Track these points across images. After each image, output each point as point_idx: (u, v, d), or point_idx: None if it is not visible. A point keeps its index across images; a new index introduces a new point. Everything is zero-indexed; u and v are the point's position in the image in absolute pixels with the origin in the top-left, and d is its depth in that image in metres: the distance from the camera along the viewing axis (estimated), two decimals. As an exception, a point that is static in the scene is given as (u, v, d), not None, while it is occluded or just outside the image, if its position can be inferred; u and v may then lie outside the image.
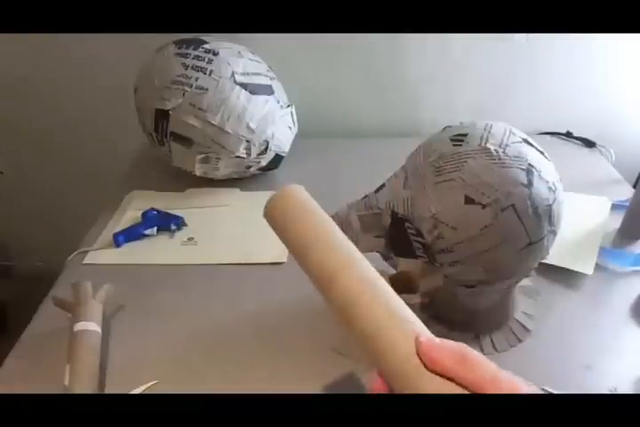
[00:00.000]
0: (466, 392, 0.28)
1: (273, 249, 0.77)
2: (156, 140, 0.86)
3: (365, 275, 0.36)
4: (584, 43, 1.01)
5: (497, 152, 0.50)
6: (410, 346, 0.31)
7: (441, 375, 0.29)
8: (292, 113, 0.93)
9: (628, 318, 0.64)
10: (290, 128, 0.92)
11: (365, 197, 0.59)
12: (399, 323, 0.33)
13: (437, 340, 0.31)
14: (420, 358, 0.30)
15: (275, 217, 0.41)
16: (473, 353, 0.30)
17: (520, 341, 0.61)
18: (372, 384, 0.33)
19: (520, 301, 0.63)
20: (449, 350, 0.30)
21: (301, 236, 0.39)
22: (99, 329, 0.60)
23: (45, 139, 1.23)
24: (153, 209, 0.84)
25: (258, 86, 0.85)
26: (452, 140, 0.52)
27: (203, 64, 0.82)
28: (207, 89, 0.81)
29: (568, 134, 1.08)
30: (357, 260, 0.37)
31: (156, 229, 0.81)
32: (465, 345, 0.31)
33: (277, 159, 0.93)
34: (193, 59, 0.82)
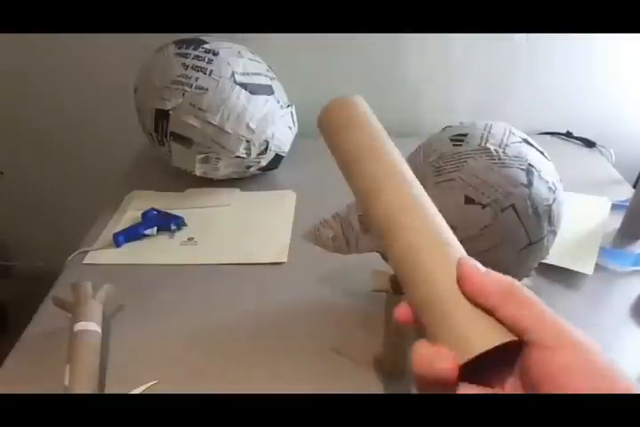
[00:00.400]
0: (504, 330, 0.25)
1: (273, 249, 0.77)
2: (156, 140, 0.86)
3: (412, 191, 0.33)
4: (584, 43, 1.01)
5: (497, 152, 0.50)
6: (449, 272, 0.28)
7: (480, 307, 0.26)
8: (292, 113, 0.93)
9: (628, 318, 0.64)
10: (290, 128, 0.92)
11: (365, 197, 0.59)
12: (442, 245, 0.29)
13: (483, 267, 0.27)
14: (461, 285, 0.27)
15: (328, 122, 0.39)
16: (522, 288, 0.26)
17: (520, 341, 0.61)
18: (397, 311, 0.29)
19: (520, 301, 0.63)
20: (495, 280, 0.26)
21: (353, 145, 0.36)
22: (99, 329, 0.60)
23: (45, 139, 1.23)
24: (153, 209, 0.84)
25: (258, 86, 0.85)
26: (451, 140, 0.52)
27: (203, 64, 0.82)
28: (207, 89, 0.81)
29: (568, 134, 1.08)
30: (408, 177, 0.34)
31: (155, 229, 0.81)
32: (513, 279, 0.27)
33: (277, 159, 0.93)
34: (193, 59, 0.82)
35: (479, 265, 0.28)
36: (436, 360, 0.25)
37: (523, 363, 0.25)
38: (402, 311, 0.29)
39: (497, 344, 0.25)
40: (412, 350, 0.27)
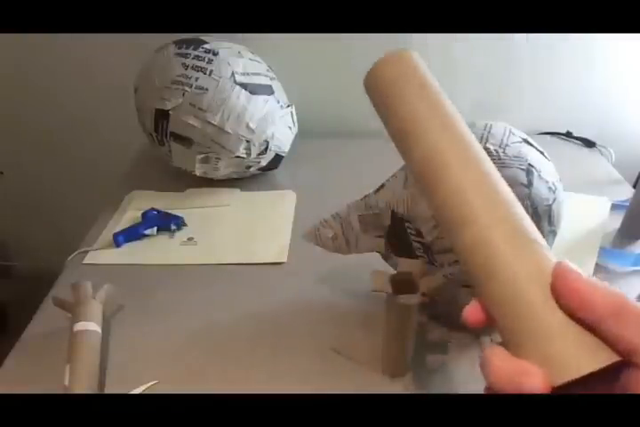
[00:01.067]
0: (608, 350, 0.22)
1: (273, 249, 0.77)
2: (156, 140, 0.86)
3: (488, 169, 0.28)
4: (584, 43, 1.01)
5: (497, 152, 0.50)
6: (540, 273, 0.24)
7: (578, 320, 0.22)
8: (292, 113, 0.93)
9: (628, 318, 0.64)
10: (290, 128, 0.92)
11: (365, 197, 0.59)
12: (529, 240, 0.25)
13: (585, 274, 0.23)
14: (557, 291, 0.23)
15: (382, 79, 0.32)
16: (635, 303, 0.22)
17: (520, 341, 0.61)
18: (467, 311, 0.26)
19: (520, 301, 0.63)
20: (603, 291, 0.22)
21: (415, 109, 0.30)
22: (99, 329, 0.60)
23: (45, 139, 1.23)
24: (153, 209, 0.84)
25: (258, 86, 0.85)
26: (452, 140, 0.52)
27: (203, 64, 0.82)
28: (207, 89, 0.81)
29: (568, 134, 1.08)
30: (480, 152, 0.29)
31: (155, 229, 0.81)
32: (622, 292, 0.23)
33: (277, 159, 0.93)
34: (193, 59, 0.82)
35: (580, 270, 0.24)
36: (522, 378, 0.22)
37: (629, 386, 0.22)
38: (472, 312, 0.25)
39: (601, 367, 0.22)
40: (483, 358, 0.24)
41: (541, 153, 0.53)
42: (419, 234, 0.53)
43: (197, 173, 0.89)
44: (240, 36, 0.86)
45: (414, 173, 0.30)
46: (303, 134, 0.97)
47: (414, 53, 0.33)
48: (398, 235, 0.55)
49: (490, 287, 0.25)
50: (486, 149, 0.50)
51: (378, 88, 0.33)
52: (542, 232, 0.51)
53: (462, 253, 0.27)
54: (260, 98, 0.85)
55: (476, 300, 0.26)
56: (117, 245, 0.79)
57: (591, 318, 0.22)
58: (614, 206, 0.81)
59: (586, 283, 0.23)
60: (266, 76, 0.88)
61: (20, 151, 1.27)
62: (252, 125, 0.85)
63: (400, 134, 0.30)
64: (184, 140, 0.84)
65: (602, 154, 1.03)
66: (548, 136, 1.09)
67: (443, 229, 0.28)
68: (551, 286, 0.23)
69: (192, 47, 0.83)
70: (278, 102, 0.89)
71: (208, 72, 0.81)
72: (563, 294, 0.23)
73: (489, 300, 0.25)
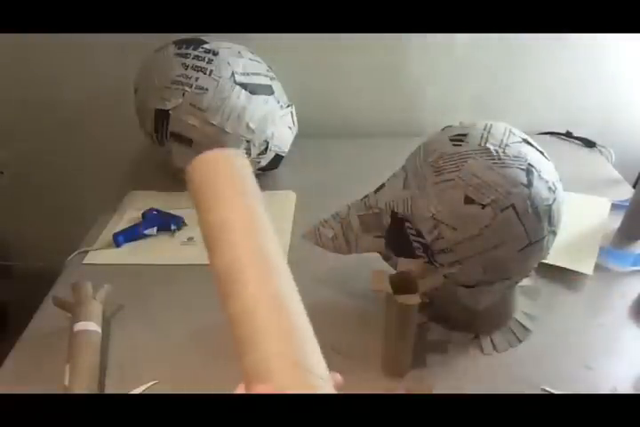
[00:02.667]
0: None
1: (273, 249, 0.77)
2: (156, 140, 0.86)
3: (279, 289, 0.29)
4: (584, 43, 1.01)
5: (497, 152, 0.50)
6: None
7: None
8: (292, 113, 0.93)
9: (628, 318, 0.64)
10: (290, 128, 0.92)
11: (365, 197, 0.59)
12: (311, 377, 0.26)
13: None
14: None
15: (199, 181, 0.32)
16: None
17: (520, 341, 0.61)
18: None
19: (520, 301, 0.64)
20: None
21: (221, 221, 0.31)
22: (99, 329, 0.60)
23: (45, 139, 1.23)
24: (153, 209, 0.84)
25: (258, 86, 0.85)
26: (451, 140, 0.52)
27: (203, 64, 0.82)
28: (207, 89, 0.81)
29: (568, 134, 1.08)
30: (278, 265, 0.31)
31: (155, 229, 0.81)
32: None
33: (277, 159, 0.93)
34: (193, 59, 0.82)
35: None
36: None
37: None
38: None
39: None
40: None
41: (541, 153, 0.53)
42: (419, 234, 0.53)
43: (197, 173, 0.88)
44: (240, 36, 0.86)
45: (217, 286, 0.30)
46: (303, 134, 0.97)
47: (237, 154, 0.34)
48: (398, 235, 0.55)
49: None
50: (486, 148, 0.50)
51: (195, 191, 0.33)
52: (542, 232, 0.51)
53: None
54: (260, 98, 0.85)
55: None
56: (117, 245, 0.79)
57: None
58: (614, 206, 0.81)
59: None
60: (266, 76, 0.88)
61: (20, 151, 1.27)
62: (252, 125, 0.84)
63: (208, 236, 0.32)
64: (184, 141, 0.84)
65: (602, 154, 1.03)
66: (547, 136, 1.09)
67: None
68: None
69: (192, 47, 0.83)
70: (278, 102, 0.89)
71: (208, 72, 0.81)
72: None
73: None
